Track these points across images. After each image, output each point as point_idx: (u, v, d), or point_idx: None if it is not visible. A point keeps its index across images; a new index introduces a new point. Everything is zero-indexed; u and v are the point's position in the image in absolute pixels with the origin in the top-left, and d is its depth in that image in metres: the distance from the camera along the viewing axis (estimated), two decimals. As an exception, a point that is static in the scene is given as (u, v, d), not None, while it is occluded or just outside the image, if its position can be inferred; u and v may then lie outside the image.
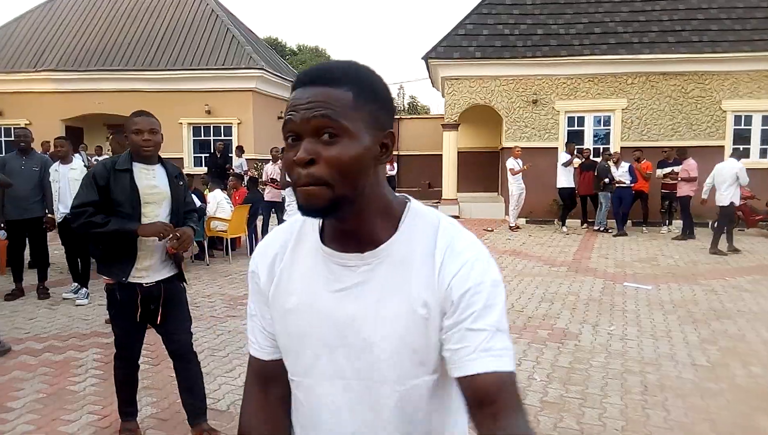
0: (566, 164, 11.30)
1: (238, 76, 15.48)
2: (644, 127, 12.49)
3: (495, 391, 0.82)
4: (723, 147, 12.00)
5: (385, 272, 0.90)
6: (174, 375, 3.11)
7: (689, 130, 12.32)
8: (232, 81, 15.55)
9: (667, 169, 10.83)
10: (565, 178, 11.39)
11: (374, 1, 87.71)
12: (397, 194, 0.96)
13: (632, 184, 10.83)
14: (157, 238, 2.82)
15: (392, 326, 0.89)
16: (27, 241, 6.29)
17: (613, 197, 10.89)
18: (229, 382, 3.89)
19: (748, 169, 8.87)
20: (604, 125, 12.89)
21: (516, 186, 11.40)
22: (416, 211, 0.94)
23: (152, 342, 3.95)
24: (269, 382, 1.03)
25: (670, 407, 3.55)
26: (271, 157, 9.58)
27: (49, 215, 6.00)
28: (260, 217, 9.27)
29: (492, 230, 11.51)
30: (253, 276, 1.02)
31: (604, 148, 12.45)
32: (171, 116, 14.32)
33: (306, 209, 0.86)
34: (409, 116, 22.97)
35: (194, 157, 16.08)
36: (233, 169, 13.02)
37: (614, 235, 10.74)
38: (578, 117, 12.91)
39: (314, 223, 0.97)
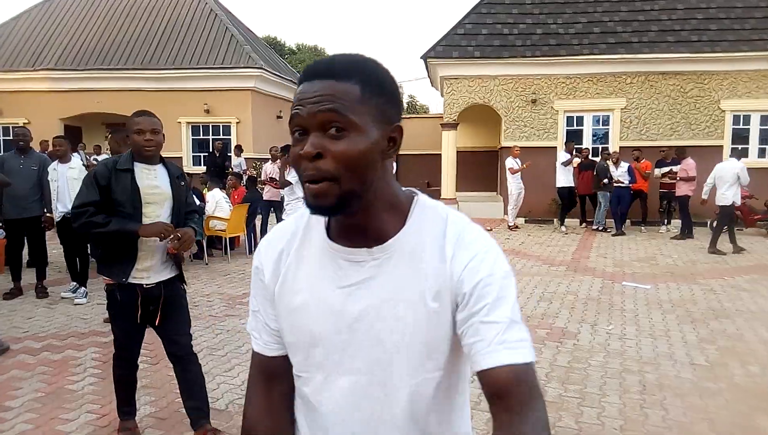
0: (565, 164, 11.30)
1: (237, 75, 15.45)
2: (643, 126, 12.50)
3: (509, 384, 0.81)
4: (722, 147, 12.02)
5: (394, 266, 0.89)
6: (173, 374, 3.10)
7: (688, 129, 12.33)
8: (230, 80, 15.52)
9: (665, 169, 10.85)
10: (564, 178, 11.38)
11: (373, 0, 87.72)
12: (404, 188, 0.96)
13: (631, 185, 10.85)
14: (158, 239, 2.81)
15: (403, 321, 0.88)
16: (25, 240, 6.28)
17: (611, 197, 10.91)
18: (228, 382, 3.89)
19: (746, 169, 8.88)
20: (603, 125, 12.89)
21: (515, 185, 11.41)
22: (424, 204, 0.94)
23: (151, 341, 3.94)
24: (273, 378, 1.02)
25: (669, 406, 3.55)
26: (270, 157, 9.57)
27: (48, 214, 6.00)
28: (259, 217, 9.27)
29: (491, 230, 11.48)
30: (257, 272, 1.00)
31: (603, 147, 12.46)
32: (170, 115, 14.25)
33: (315, 208, 0.85)
34: (408, 116, 22.95)
35: (193, 156, 16.04)
36: (232, 169, 13.02)
37: (613, 235, 10.75)
38: (577, 116, 12.91)
39: (320, 219, 0.96)
